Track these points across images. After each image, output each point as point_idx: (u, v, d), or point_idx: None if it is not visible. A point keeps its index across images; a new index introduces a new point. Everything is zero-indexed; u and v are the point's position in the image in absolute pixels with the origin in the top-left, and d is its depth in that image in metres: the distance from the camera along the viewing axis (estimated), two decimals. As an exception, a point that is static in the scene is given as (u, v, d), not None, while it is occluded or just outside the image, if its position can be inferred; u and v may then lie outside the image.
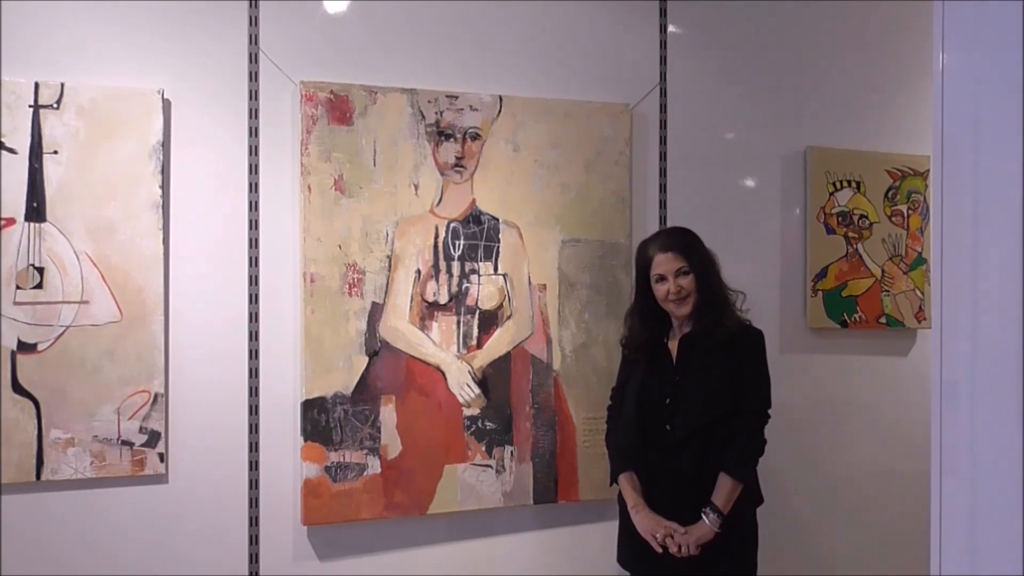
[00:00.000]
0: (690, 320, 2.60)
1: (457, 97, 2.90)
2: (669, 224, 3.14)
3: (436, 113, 2.88)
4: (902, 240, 3.47)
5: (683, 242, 2.61)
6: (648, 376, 2.62)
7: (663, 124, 3.20)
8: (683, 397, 2.55)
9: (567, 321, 3.02)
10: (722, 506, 2.48)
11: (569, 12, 3.08)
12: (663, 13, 3.19)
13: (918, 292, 3.49)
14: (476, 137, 2.92)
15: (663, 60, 3.20)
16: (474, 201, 2.92)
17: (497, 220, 2.94)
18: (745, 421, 2.54)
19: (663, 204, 3.19)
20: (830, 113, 3.42)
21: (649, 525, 2.52)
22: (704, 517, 2.48)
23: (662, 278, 2.59)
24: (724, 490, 2.49)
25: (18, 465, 2.50)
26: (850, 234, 3.41)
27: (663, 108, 3.20)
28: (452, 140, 2.90)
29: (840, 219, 3.40)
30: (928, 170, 3.39)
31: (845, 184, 3.41)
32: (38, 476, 2.51)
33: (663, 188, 3.20)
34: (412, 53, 2.91)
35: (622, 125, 3.09)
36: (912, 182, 3.48)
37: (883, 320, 3.46)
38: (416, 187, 2.86)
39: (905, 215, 3.48)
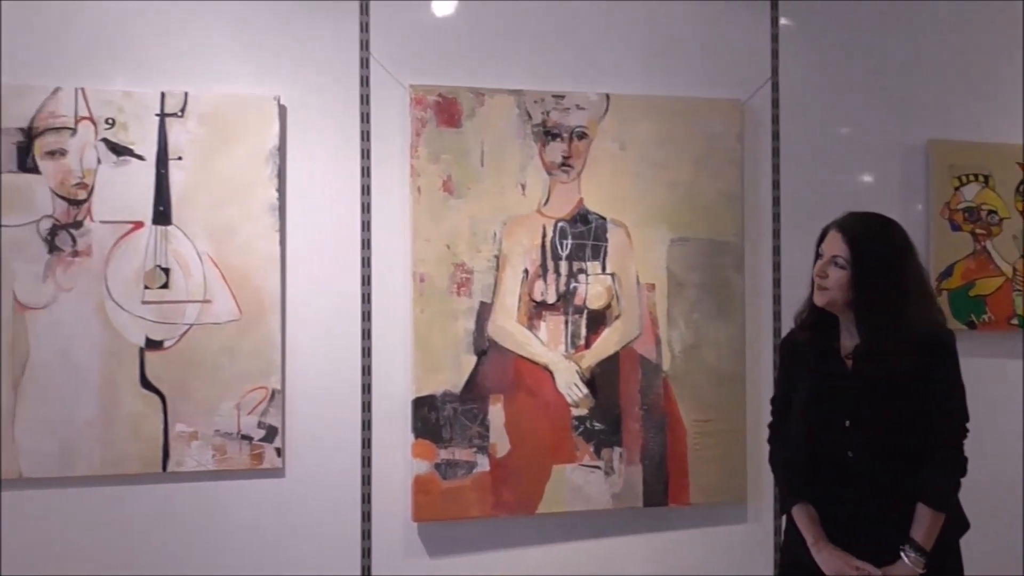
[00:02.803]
0: (852, 325, 2.21)
1: (563, 97, 2.90)
2: (783, 222, 3.07)
3: (543, 113, 2.88)
4: (1035, 237, 3.29)
5: (860, 232, 2.19)
6: (819, 391, 2.25)
7: (775, 119, 3.12)
8: (864, 418, 2.17)
9: (676, 321, 2.97)
10: (923, 542, 2.11)
11: (676, 7, 3.04)
12: (774, 6, 3.12)
13: (1053, 291, 3.30)
14: (583, 136, 2.91)
15: (775, 54, 3.12)
16: (581, 200, 2.91)
17: (604, 219, 2.92)
18: (939, 440, 2.16)
19: (776, 201, 3.11)
20: (952, 104, 3.26)
21: (837, 565, 2.15)
22: (904, 556, 2.12)
23: (820, 255, 2.23)
24: (924, 523, 2.12)
25: (145, 457, 2.61)
26: (977, 231, 3.26)
27: (775, 103, 3.12)
28: (559, 140, 2.90)
29: (966, 215, 3.24)
30: (1063, 161, 3.21)
31: (972, 178, 3.25)
32: (164, 467, 2.63)
33: (776, 185, 3.11)
34: (518, 54, 2.93)
35: (733, 121, 3.03)
36: (1046, 175, 3.29)
37: (1015, 321, 3.29)
38: (523, 187, 2.87)
39: (1038, 210, 3.30)
